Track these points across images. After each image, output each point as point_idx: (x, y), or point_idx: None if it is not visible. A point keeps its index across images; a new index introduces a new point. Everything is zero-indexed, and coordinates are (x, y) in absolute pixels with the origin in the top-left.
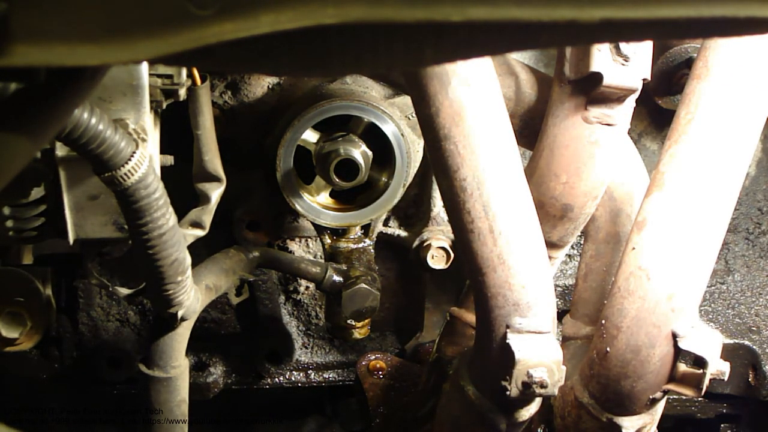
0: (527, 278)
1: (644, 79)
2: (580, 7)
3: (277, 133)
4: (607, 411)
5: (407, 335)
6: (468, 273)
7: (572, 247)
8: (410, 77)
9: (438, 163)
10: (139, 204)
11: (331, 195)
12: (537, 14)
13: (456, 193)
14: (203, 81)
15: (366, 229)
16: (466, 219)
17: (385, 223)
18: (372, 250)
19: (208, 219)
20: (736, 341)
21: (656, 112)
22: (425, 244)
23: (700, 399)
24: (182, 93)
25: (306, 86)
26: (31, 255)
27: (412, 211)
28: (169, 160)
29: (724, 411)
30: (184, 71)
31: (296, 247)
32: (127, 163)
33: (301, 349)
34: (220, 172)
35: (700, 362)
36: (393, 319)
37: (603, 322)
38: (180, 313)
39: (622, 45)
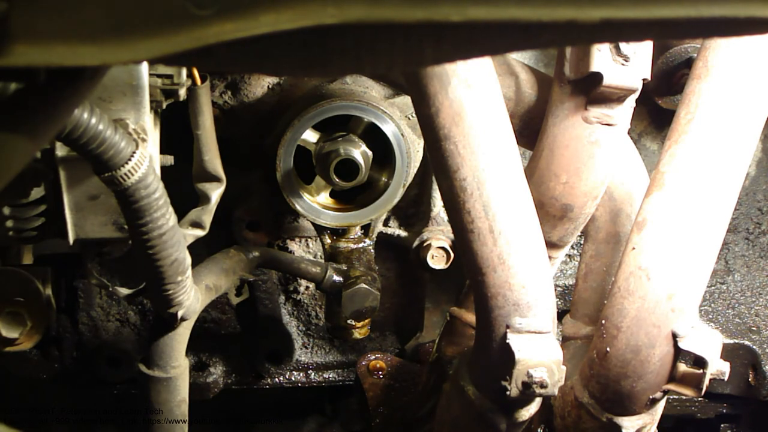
0: (527, 278)
1: (644, 79)
2: (580, 7)
3: (277, 133)
4: (607, 411)
5: (407, 335)
6: (468, 273)
7: (572, 247)
8: (410, 77)
9: (438, 163)
10: (139, 204)
11: (331, 195)
12: (537, 14)
13: (456, 193)
14: (203, 81)
15: (366, 229)
16: (466, 219)
17: (385, 223)
18: (372, 250)
19: (208, 219)
20: (736, 341)
21: (656, 112)
22: (425, 244)
23: (700, 399)
24: (182, 93)
25: (306, 86)
26: (31, 255)
27: (412, 211)
28: (169, 160)
29: (724, 411)
30: (184, 71)
31: (296, 247)
32: (127, 163)
33: (301, 349)
34: (220, 172)
35: (700, 362)
36: (393, 319)
37: (603, 322)
38: (180, 313)
39: (622, 45)
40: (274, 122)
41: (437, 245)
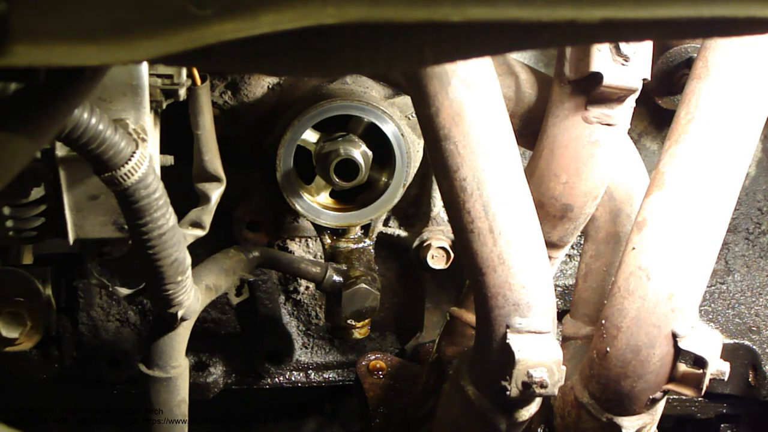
0: (527, 278)
1: (644, 79)
2: (580, 7)
3: (277, 133)
4: (607, 411)
5: (407, 335)
6: (468, 273)
7: (572, 247)
8: (410, 77)
9: (438, 163)
10: (139, 204)
11: (331, 195)
12: (537, 14)
13: (456, 193)
14: (203, 81)
15: (366, 229)
16: (466, 219)
17: (385, 223)
18: (372, 250)
19: (208, 219)
20: (736, 341)
21: (656, 112)
22: (425, 244)
23: (700, 399)
24: (182, 93)
25: (306, 86)
26: (31, 255)
27: (412, 211)
28: (169, 160)
29: (724, 411)
30: (184, 71)
31: (296, 247)
32: (127, 163)
33: (301, 349)
34: (220, 172)
35: (700, 362)
36: (393, 319)
37: (603, 322)
38: (180, 313)
39: (622, 45)
40: (274, 122)
41: (437, 245)
